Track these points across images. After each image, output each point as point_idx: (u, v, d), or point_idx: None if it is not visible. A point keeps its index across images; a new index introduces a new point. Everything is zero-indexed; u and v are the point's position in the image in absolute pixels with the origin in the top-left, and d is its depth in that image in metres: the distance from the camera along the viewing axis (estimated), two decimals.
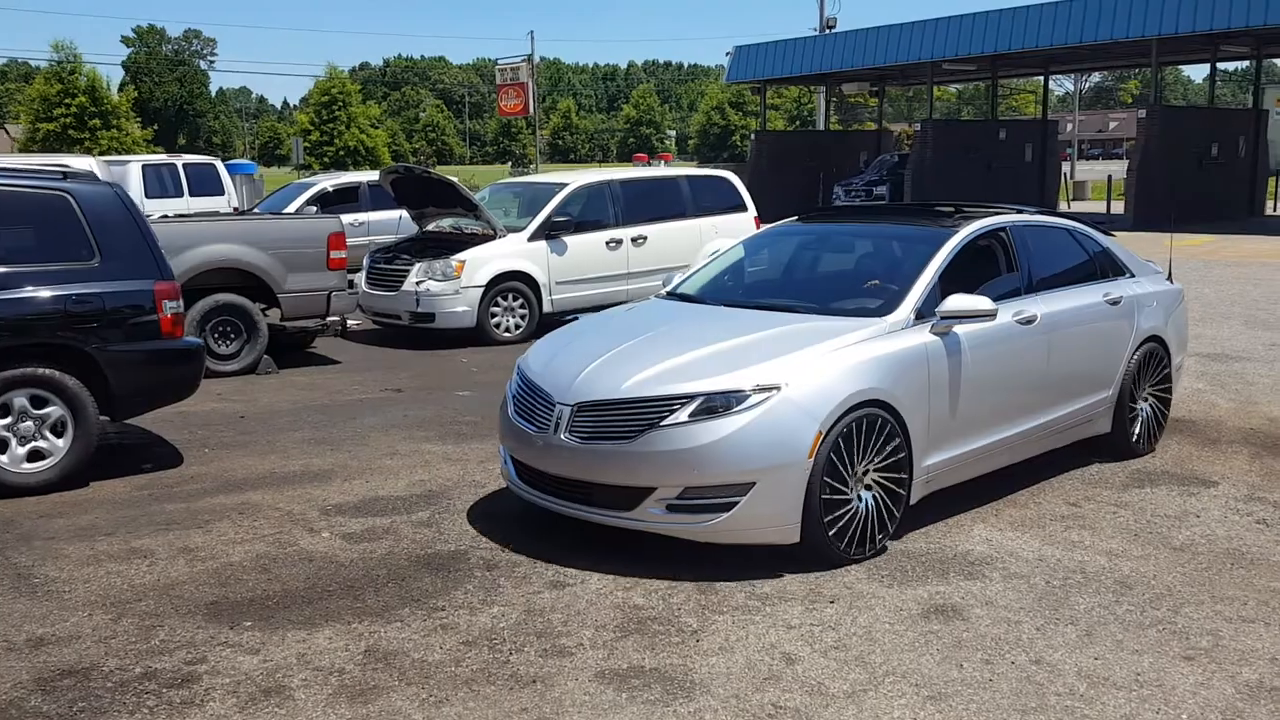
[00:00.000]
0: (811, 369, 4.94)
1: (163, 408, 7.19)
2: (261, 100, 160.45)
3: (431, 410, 8.47)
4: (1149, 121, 25.39)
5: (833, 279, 6.57)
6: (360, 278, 12.24)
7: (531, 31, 75.26)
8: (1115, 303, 6.64)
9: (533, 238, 12.01)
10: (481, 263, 11.61)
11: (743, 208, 14.13)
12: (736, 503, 4.73)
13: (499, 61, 47.69)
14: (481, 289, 11.56)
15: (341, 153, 64.40)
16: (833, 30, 37.56)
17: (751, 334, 5.33)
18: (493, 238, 11.92)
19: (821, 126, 45.29)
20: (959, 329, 5.45)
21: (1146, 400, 6.89)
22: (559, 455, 5.05)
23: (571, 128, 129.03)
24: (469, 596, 4.74)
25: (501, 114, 54.22)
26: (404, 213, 13.85)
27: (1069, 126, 75.04)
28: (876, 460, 5.03)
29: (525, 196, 13.23)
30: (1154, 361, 6.92)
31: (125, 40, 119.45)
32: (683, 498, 4.79)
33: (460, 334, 11.60)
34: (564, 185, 12.59)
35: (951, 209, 6.67)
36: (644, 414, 4.86)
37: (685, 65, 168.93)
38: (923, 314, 5.41)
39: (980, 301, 5.40)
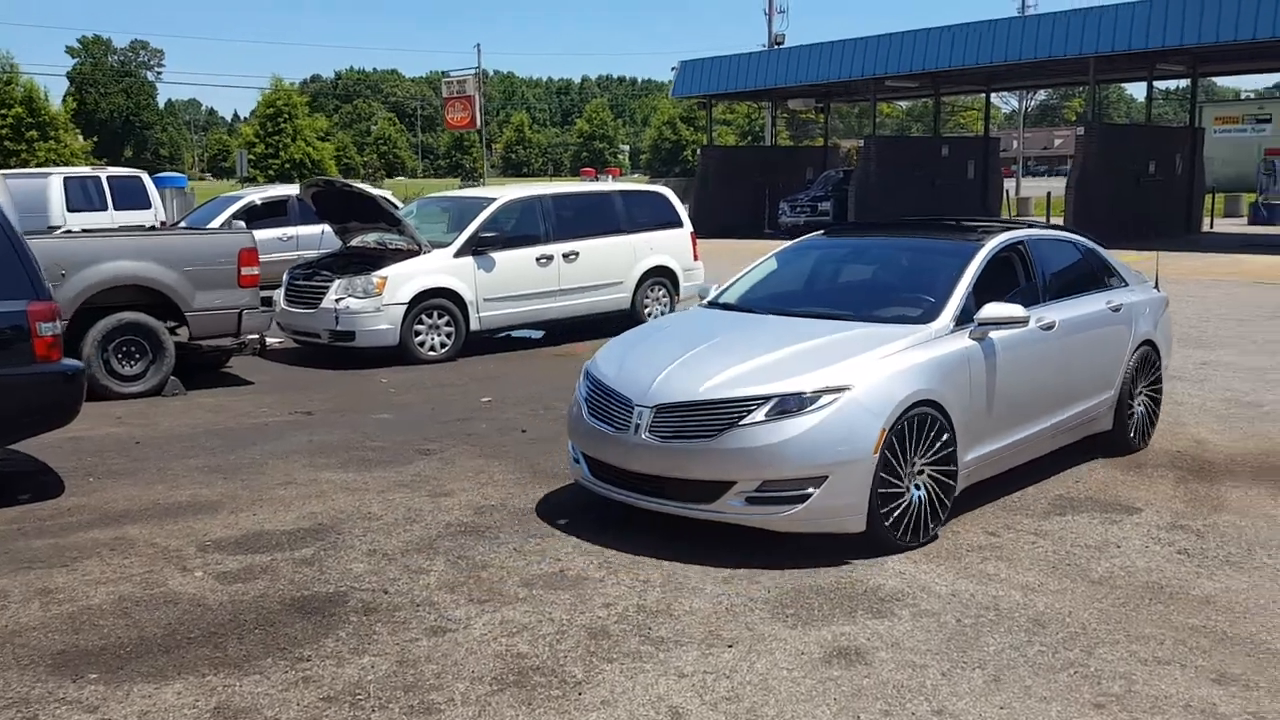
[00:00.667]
0: (873, 372, 5.37)
1: (47, 433, 6.77)
2: (211, 113, 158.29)
3: (340, 435, 8.09)
4: (1087, 139, 25.63)
5: (870, 289, 6.95)
6: (279, 294, 11.82)
7: (478, 45, 74.76)
8: (1116, 309, 7.13)
9: (459, 253, 11.66)
10: (404, 279, 11.23)
11: (678, 224, 13.91)
12: (810, 495, 5.13)
13: (446, 74, 47.17)
14: (404, 306, 11.17)
15: (287, 165, 63.47)
16: (781, 46, 37.69)
17: (809, 340, 5.74)
18: (417, 253, 11.56)
19: (770, 142, 45.44)
20: (993, 334, 5.93)
21: (1141, 399, 7.39)
22: (640, 453, 5.41)
23: (525, 142, 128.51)
24: (340, 645, 4.39)
25: (449, 127, 53.64)
26: (326, 227, 13.44)
27: (1015, 144, 76.13)
28: (928, 455, 5.46)
29: (453, 211, 12.88)
30: (1148, 364, 7.44)
31: (70, 51, 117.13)
32: (761, 490, 5.17)
33: (382, 353, 11.21)
34: (492, 200, 12.27)
35: (974, 224, 7.39)
36: (723, 414, 5.24)
37: (639, 80, 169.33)
38: (961, 321, 5.88)
39: (1014, 309, 5.89)
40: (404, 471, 7.01)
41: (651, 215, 13.72)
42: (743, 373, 5.40)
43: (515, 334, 13.10)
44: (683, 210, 14.11)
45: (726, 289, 7.05)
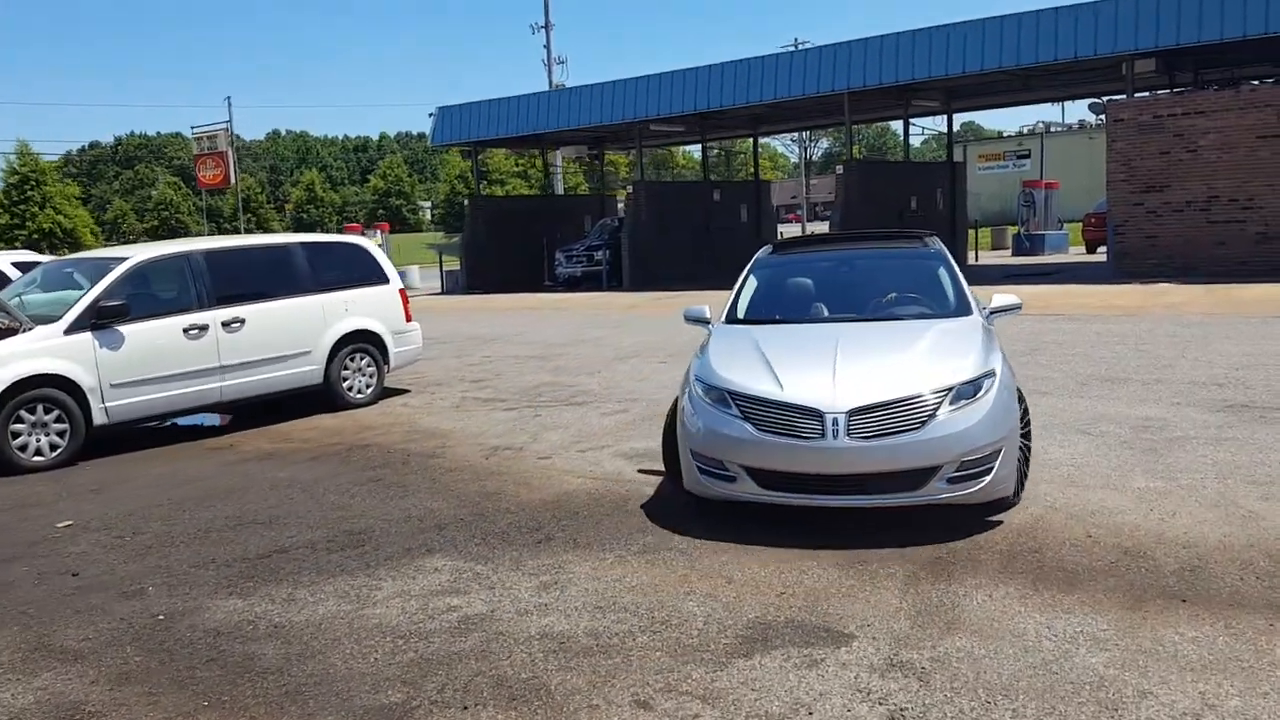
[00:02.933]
0: (992, 356, 6.23)
1: None
2: None
3: None
4: (847, 176, 25.27)
5: (877, 292, 7.53)
6: None
7: (229, 98, 70.83)
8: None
9: (72, 329, 9.27)
10: None
11: (382, 279, 11.90)
12: (992, 468, 5.81)
13: (194, 129, 43.64)
14: None
15: (35, 235, 57.97)
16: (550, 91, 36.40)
17: (907, 337, 6.55)
18: (16, 331, 9.12)
19: (560, 190, 44.17)
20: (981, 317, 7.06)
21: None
22: (845, 456, 5.67)
23: (317, 200, 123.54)
24: None
25: (201, 185, 49.69)
26: None
27: (802, 189, 78.28)
28: (1022, 425, 6.26)
29: (81, 276, 10.43)
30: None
31: None
32: (960, 470, 5.73)
33: None
34: (121, 260, 9.94)
35: (887, 232, 9.47)
36: (919, 408, 5.75)
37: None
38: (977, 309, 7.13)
39: (1013, 298, 7.34)
40: None
41: (347, 272, 11.66)
42: (904, 370, 6.00)
43: (182, 421, 10.79)
44: (388, 264, 12.11)
45: (736, 306, 7.48)
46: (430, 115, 32.30)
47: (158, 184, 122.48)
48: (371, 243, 12.50)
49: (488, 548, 6.03)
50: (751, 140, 36.05)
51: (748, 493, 5.98)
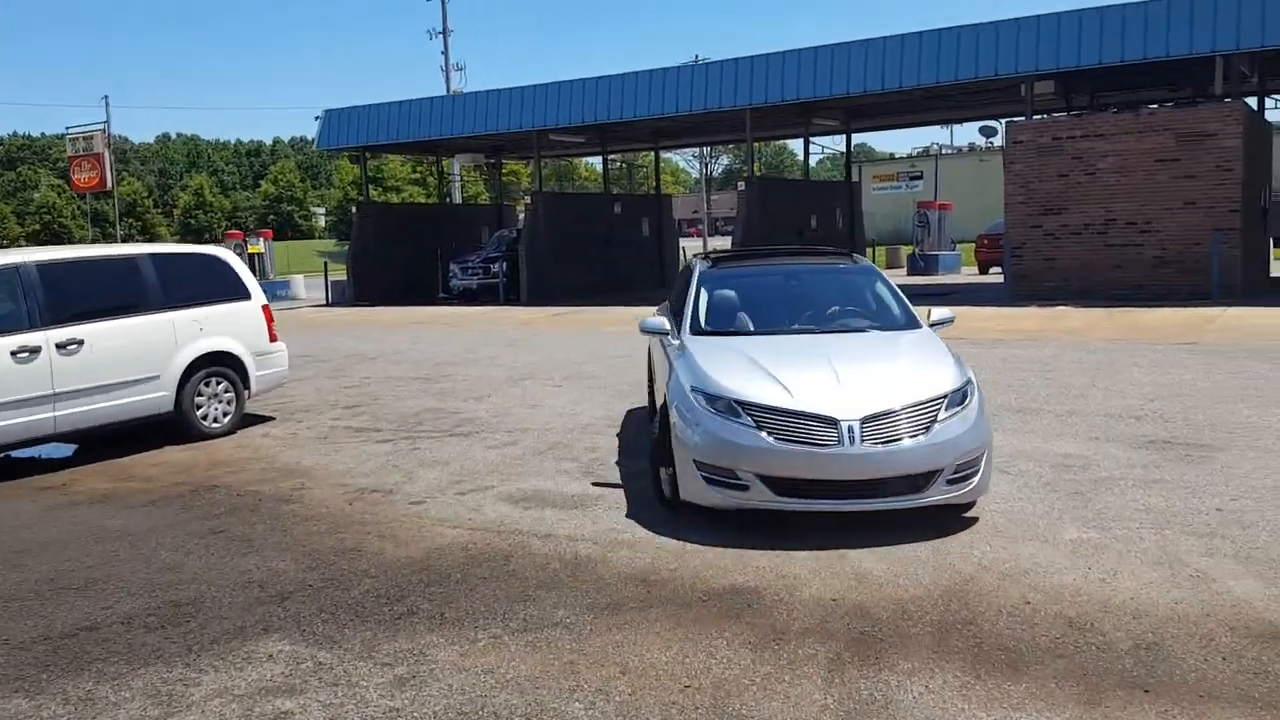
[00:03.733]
0: (962, 365, 6.75)
1: None
2: None
3: None
4: (748, 193, 24.84)
5: (827, 304, 7.82)
6: None
7: (106, 97, 67.46)
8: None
9: None
10: None
11: (243, 295, 10.76)
12: (978, 470, 6.25)
13: (68, 130, 41.10)
14: None
15: None
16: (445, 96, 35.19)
17: (879, 348, 7.03)
18: None
19: (459, 198, 42.95)
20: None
21: None
22: (862, 461, 5.91)
23: (206, 206, 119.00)
24: None
25: (76, 189, 46.88)
26: None
27: (703, 204, 78.28)
28: None
29: None
30: None
31: None
32: (956, 472, 6.12)
33: None
34: None
35: (826, 248, 10.18)
36: (923, 414, 6.11)
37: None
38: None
39: (947, 312, 7.77)
40: None
41: (203, 286, 10.50)
42: (897, 378, 6.34)
43: (15, 455, 9.55)
44: (249, 278, 10.99)
45: (698, 318, 7.56)
46: (317, 119, 30.86)
47: (40, 187, 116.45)
48: (231, 254, 11.32)
49: (336, 626, 5.08)
50: (653, 154, 35.52)
51: (761, 500, 6.06)
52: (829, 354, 6.63)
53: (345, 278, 31.95)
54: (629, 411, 10.62)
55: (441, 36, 46.62)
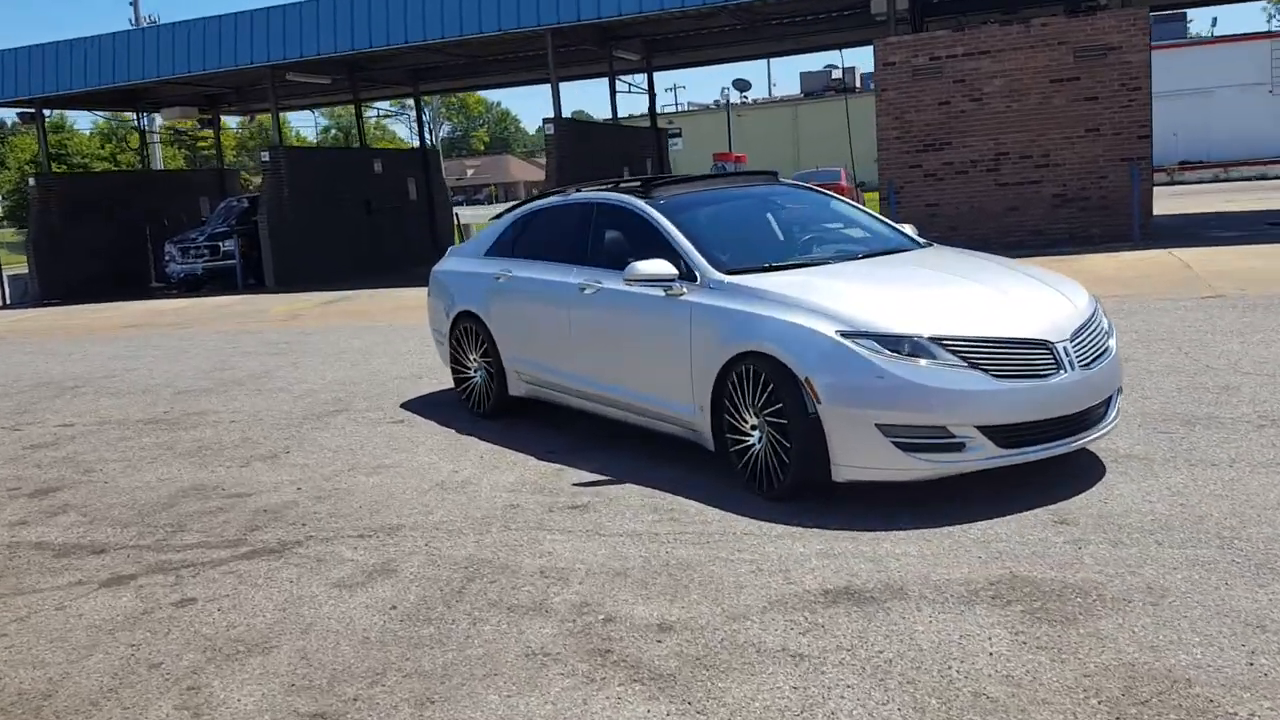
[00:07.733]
0: None
1: None
2: None
3: None
4: (558, 138, 20.31)
5: (825, 228, 6.86)
6: None
7: None
8: None
9: None
10: None
11: None
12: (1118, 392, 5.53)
13: None
14: None
15: None
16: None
17: (966, 263, 6.09)
18: None
19: (160, 163, 35.67)
20: None
21: None
22: (1082, 390, 5.04)
23: None
24: None
25: None
26: None
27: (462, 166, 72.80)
28: None
29: None
30: None
31: None
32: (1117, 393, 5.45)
33: None
34: None
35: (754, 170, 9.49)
36: (1100, 329, 5.39)
37: (7, 123, 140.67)
38: None
39: (908, 227, 6.92)
40: None
41: None
42: (1048, 293, 5.45)
43: None
44: None
45: (710, 255, 5.86)
46: None
47: None
48: None
49: None
50: (414, 100, 30.13)
51: (984, 459, 4.86)
52: (950, 275, 5.68)
53: (27, 270, 24.85)
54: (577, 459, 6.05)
55: None
